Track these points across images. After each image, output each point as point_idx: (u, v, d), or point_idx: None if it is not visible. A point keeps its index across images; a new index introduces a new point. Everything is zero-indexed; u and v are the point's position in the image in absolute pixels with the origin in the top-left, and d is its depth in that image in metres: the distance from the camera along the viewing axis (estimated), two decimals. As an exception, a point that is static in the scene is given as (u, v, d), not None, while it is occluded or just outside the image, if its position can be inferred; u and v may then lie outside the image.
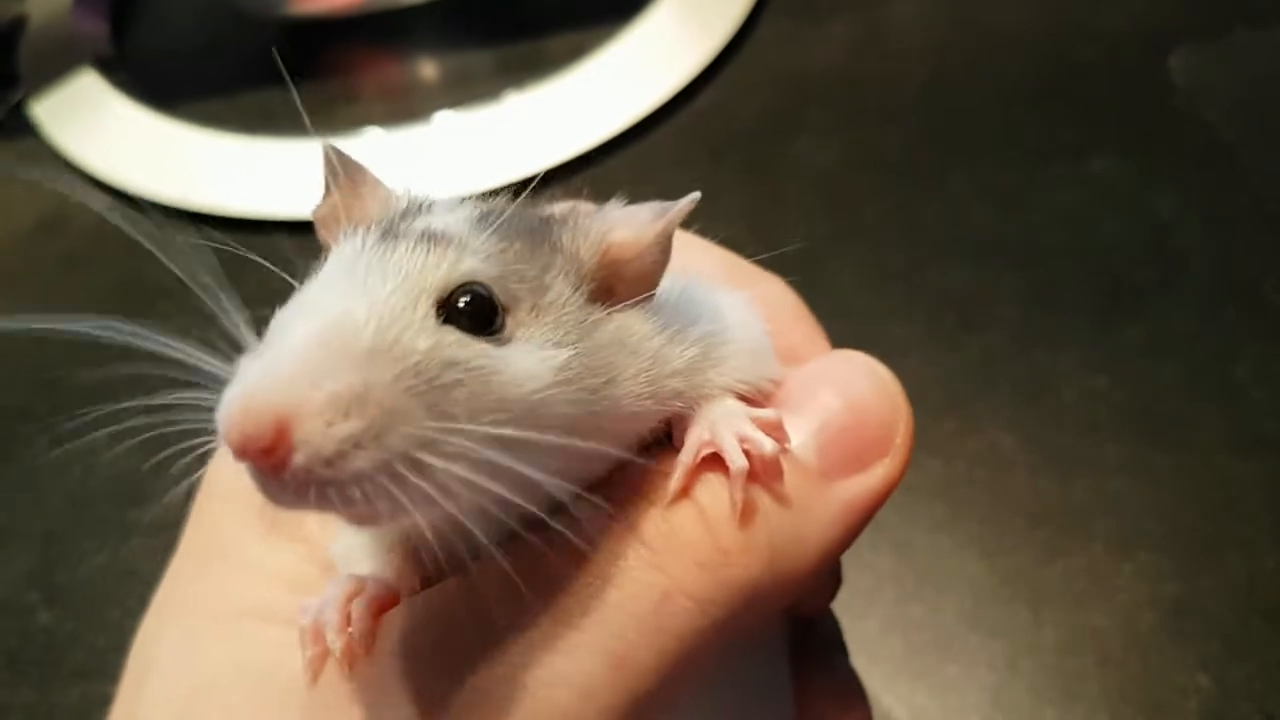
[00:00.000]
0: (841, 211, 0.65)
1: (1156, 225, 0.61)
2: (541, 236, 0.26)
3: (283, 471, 0.20)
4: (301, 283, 0.25)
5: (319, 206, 0.28)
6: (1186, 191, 0.62)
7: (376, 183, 0.28)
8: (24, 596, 0.54)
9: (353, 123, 0.71)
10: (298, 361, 0.21)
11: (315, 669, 0.25)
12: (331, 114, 0.73)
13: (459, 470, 0.22)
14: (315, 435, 0.20)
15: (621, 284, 0.26)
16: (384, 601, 0.26)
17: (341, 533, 0.28)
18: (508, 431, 0.22)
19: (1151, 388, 0.55)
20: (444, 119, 0.70)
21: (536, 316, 0.24)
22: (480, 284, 0.24)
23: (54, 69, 0.75)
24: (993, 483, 0.53)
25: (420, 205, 0.27)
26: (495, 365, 0.23)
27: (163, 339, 0.26)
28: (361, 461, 0.21)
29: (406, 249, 0.24)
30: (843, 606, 0.49)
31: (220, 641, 0.28)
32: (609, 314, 0.26)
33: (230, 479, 0.31)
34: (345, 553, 0.28)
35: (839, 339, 0.57)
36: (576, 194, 0.37)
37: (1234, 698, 0.46)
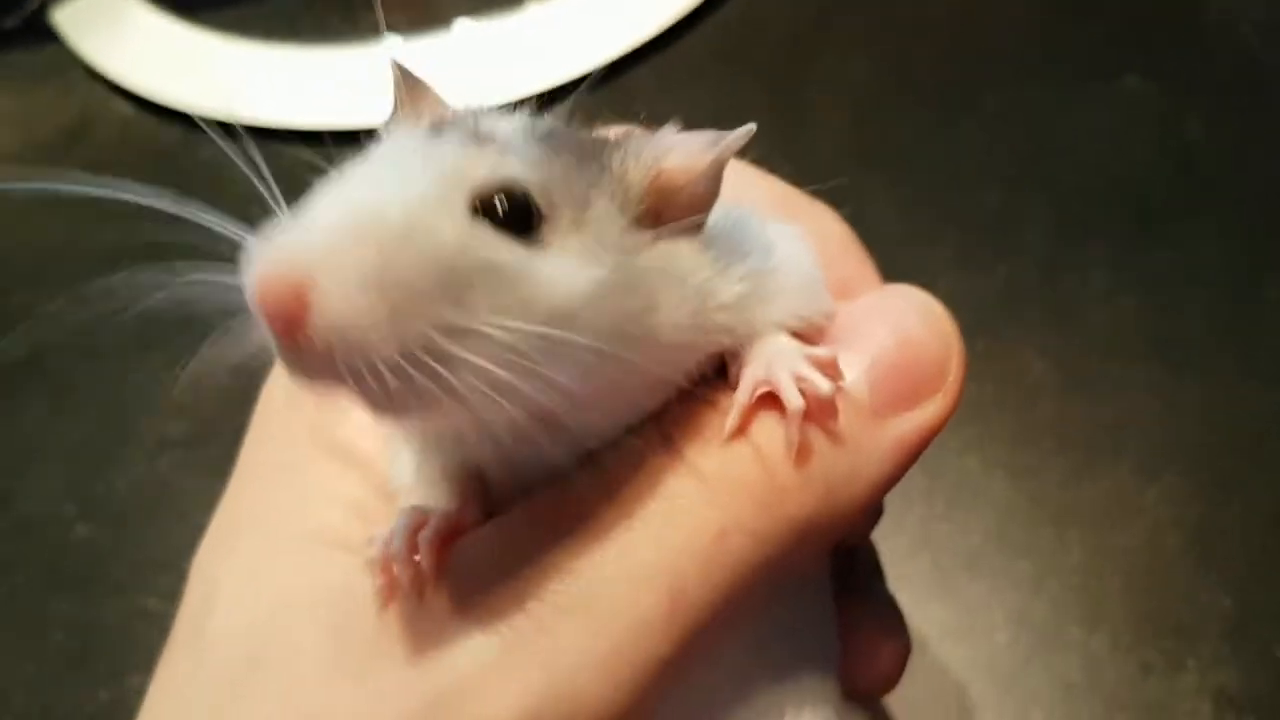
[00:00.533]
0: (870, 130, 0.64)
1: (1187, 147, 0.61)
2: (592, 155, 0.25)
3: (299, 334, 0.20)
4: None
5: (386, 122, 0.27)
6: (1218, 113, 0.62)
7: (439, 99, 0.28)
8: (61, 509, 0.55)
9: (372, 30, 0.70)
10: (324, 232, 0.21)
11: (385, 598, 0.25)
12: (353, 20, 0.72)
13: (481, 361, 0.21)
14: (333, 302, 0.20)
15: (670, 211, 0.26)
16: (449, 532, 0.26)
17: (401, 461, 0.29)
18: (532, 327, 0.22)
19: (1179, 312, 0.55)
20: (464, 27, 0.69)
21: (577, 230, 0.24)
22: (520, 187, 0.23)
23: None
24: (1021, 405, 0.53)
25: (475, 114, 0.26)
26: (524, 268, 0.23)
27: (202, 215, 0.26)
28: (377, 338, 0.21)
29: (452, 143, 0.23)
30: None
31: (289, 564, 0.28)
32: (655, 240, 0.26)
33: (286, 401, 0.32)
34: (407, 482, 0.28)
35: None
36: (616, 115, 0.37)
37: (1257, 619, 0.46)
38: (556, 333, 0.22)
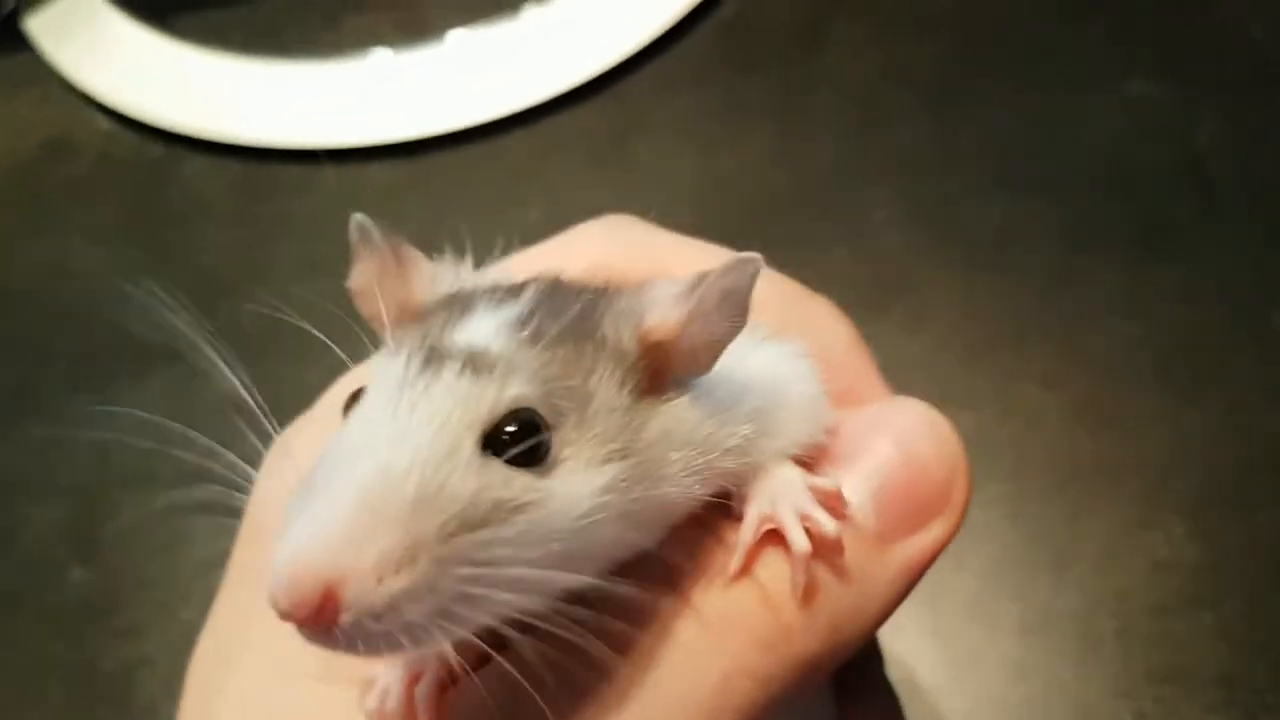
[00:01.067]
0: (870, 136, 0.63)
1: (1195, 155, 0.59)
2: (585, 333, 0.25)
3: (332, 630, 0.21)
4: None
5: (354, 277, 0.27)
6: (1228, 117, 0.60)
7: (416, 258, 0.27)
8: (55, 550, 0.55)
9: (360, 41, 0.68)
10: (343, 523, 0.21)
11: None
12: (338, 28, 0.70)
13: (505, 595, 0.22)
14: (365, 596, 0.21)
15: (674, 365, 0.26)
16: (446, 681, 0.26)
17: None
18: (553, 568, 0.23)
19: (1185, 335, 0.54)
20: (457, 38, 0.67)
21: (582, 431, 0.24)
22: (525, 409, 0.23)
23: (47, -22, 0.72)
24: (1021, 436, 0.52)
25: (462, 301, 0.26)
26: (540, 499, 0.23)
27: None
28: (413, 613, 0.21)
29: (451, 378, 0.23)
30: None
31: (289, 700, 0.28)
32: (656, 407, 0.25)
33: (280, 507, 0.31)
34: None
35: (869, 280, 0.57)
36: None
37: (1253, 665, 0.46)
38: (574, 544, 0.23)
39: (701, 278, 0.25)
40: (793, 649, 0.26)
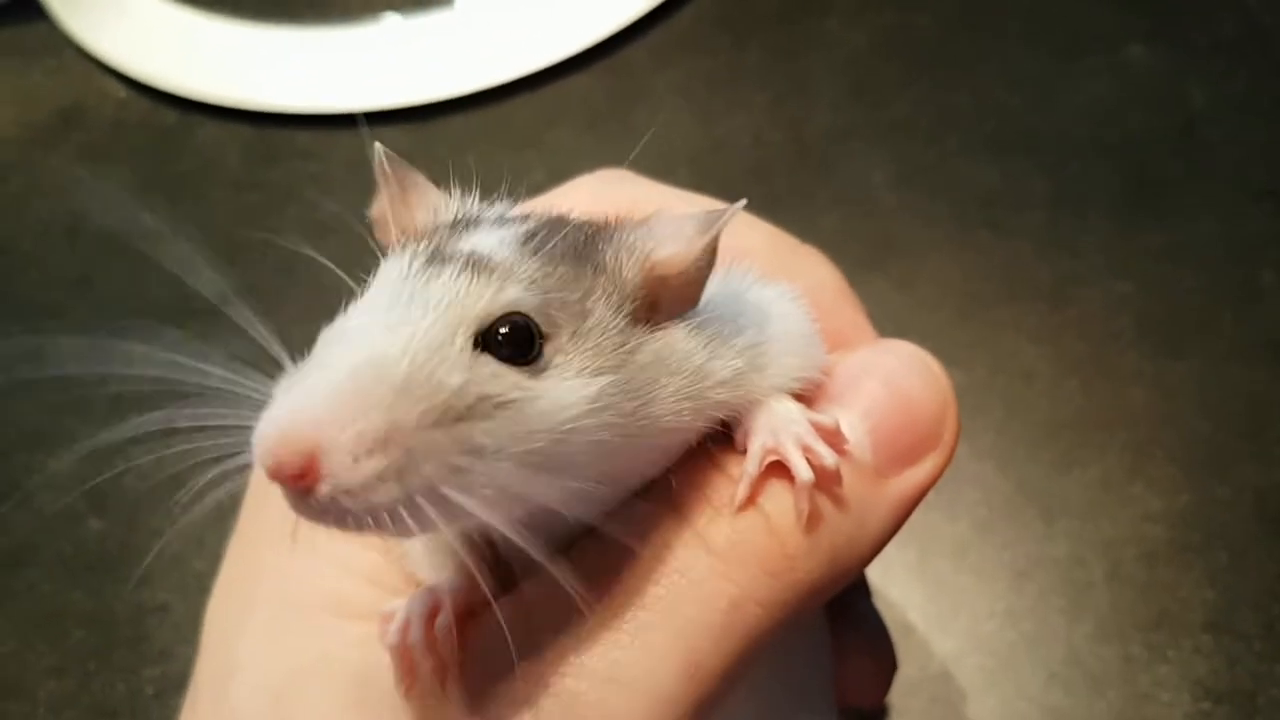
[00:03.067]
0: (869, 100, 0.64)
1: (1187, 118, 0.60)
2: (586, 257, 0.26)
3: (309, 496, 0.22)
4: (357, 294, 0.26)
5: (374, 207, 0.29)
6: (1220, 82, 0.61)
7: (425, 188, 0.29)
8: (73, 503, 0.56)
9: (369, 7, 0.69)
10: (330, 398, 0.22)
11: (407, 686, 0.26)
12: (346, -5, 0.71)
13: (486, 489, 0.23)
14: (341, 470, 0.22)
15: (666, 299, 0.27)
16: (464, 613, 0.27)
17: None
18: (534, 446, 0.24)
19: (1174, 293, 0.55)
20: (464, 4, 0.68)
21: (576, 343, 0.25)
22: (520, 314, 0.24)
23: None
24: (1011, 391, 0.54)
25: (467, 220, 0.27)
26: (528, 396, 0.24)
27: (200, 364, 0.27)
28: (382, 495, 0.22)
29: (451, 276, 0.24)
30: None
31: (306, 635, 0.29)
32: (651, 333, 0.26)
33: None
34: (416, 552, 0.29)
35: (866, 240, 0.58)
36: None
37: (1238, 611, 0.47)
38: (558, 450, 0.24)
39: (709, 218, 0.26)
40: (796, 576, 0.27)
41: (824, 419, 0.28)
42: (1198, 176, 0.58)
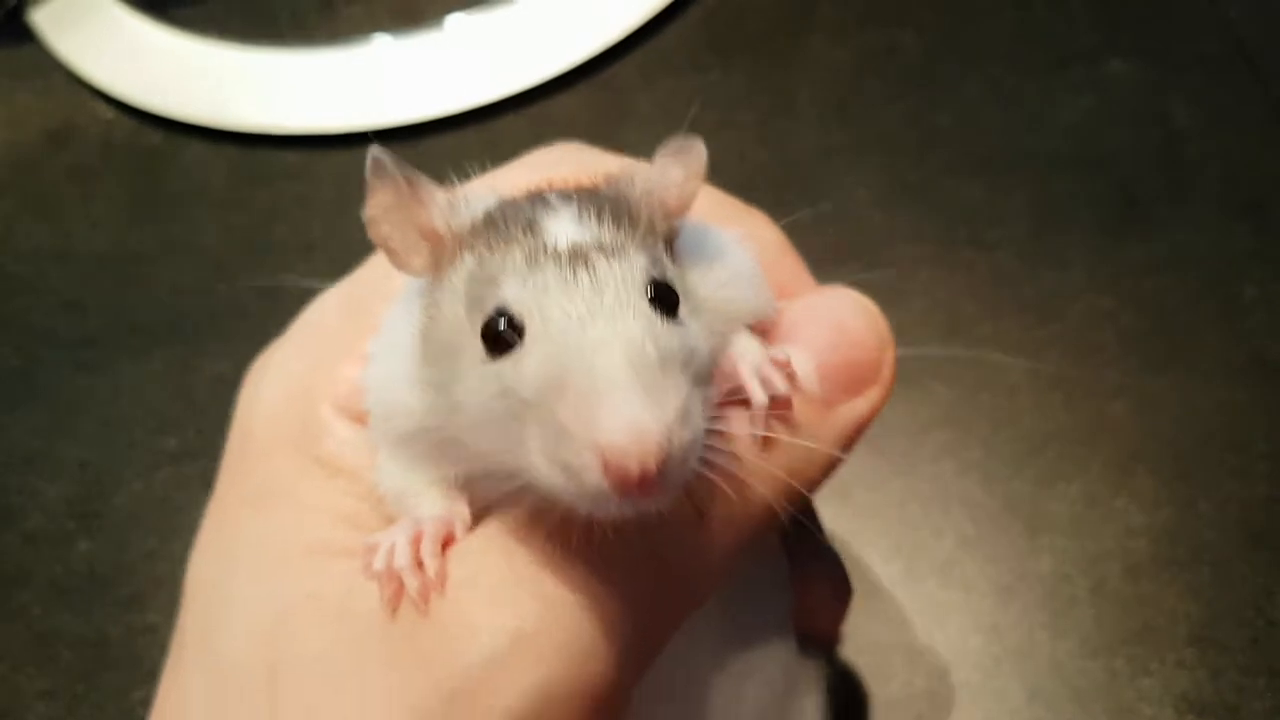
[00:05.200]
0: (853, 118, 0.64)
1: (1170, 134, 0.60)
2: (632, 217, 0.28)
3: (653, 487, 0.24)
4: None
5: (370, 206, 0.29)
6: (1201, 97, 0.61)
7: (430, 186, 0.29)
8: (63, 525, 0.56)
9: (355, 28, 0.69)
10: (641, 395, 0.24)
11: (394, 606, 0.27)
12: (334, 15, 0.72)
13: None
14: (677, 449, 0.24)
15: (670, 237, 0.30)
16: (447, 539, 0.29)
17: (387, 470, 0.31)
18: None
19: (1156, 308, 0.55)
20: (451, 23, 0.68)
21: (684, 297, 0.28)
22: (655, 276, 0.27)
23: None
24: (996, 407, 0.54)
25: (523, 218, 0.28)
26: (698, 343, 0.27)
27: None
28: (692, 456, 0.25)
29: (604, 265, 0.26)
30: (849, 533, 0.51)
31: (292, 576, 0.30)
32: (681, 275, 0.29)
33: (266, 416, 0.34)
34: (395, 487, 0.31)
35: (851, 256, 0.58)
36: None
37: (1221, 625, 0.48)
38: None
39: (681, 152, 0.29)
40: (754, 494, 0.29)
41: (777, 353, 0.30)
42: (1180, 192, 0.59)
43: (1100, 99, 0.62)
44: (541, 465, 0.25)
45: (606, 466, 0.23)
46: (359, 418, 0.32)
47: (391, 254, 0.29)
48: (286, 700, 0.28)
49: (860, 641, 0.49)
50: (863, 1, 0.68)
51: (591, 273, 0.26)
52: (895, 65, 0.66)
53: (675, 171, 0.29)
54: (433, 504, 0.30)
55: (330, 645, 0.28)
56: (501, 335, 0.26)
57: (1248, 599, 0.48)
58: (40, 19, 0.73)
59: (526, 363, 0.25)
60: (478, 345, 0.26)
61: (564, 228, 0.27)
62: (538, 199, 0.29)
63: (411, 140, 0.66)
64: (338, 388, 0.33)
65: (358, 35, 0.69)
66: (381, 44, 0.68)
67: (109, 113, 0.70)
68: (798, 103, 0.65)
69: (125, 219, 0.67)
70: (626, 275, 0.26)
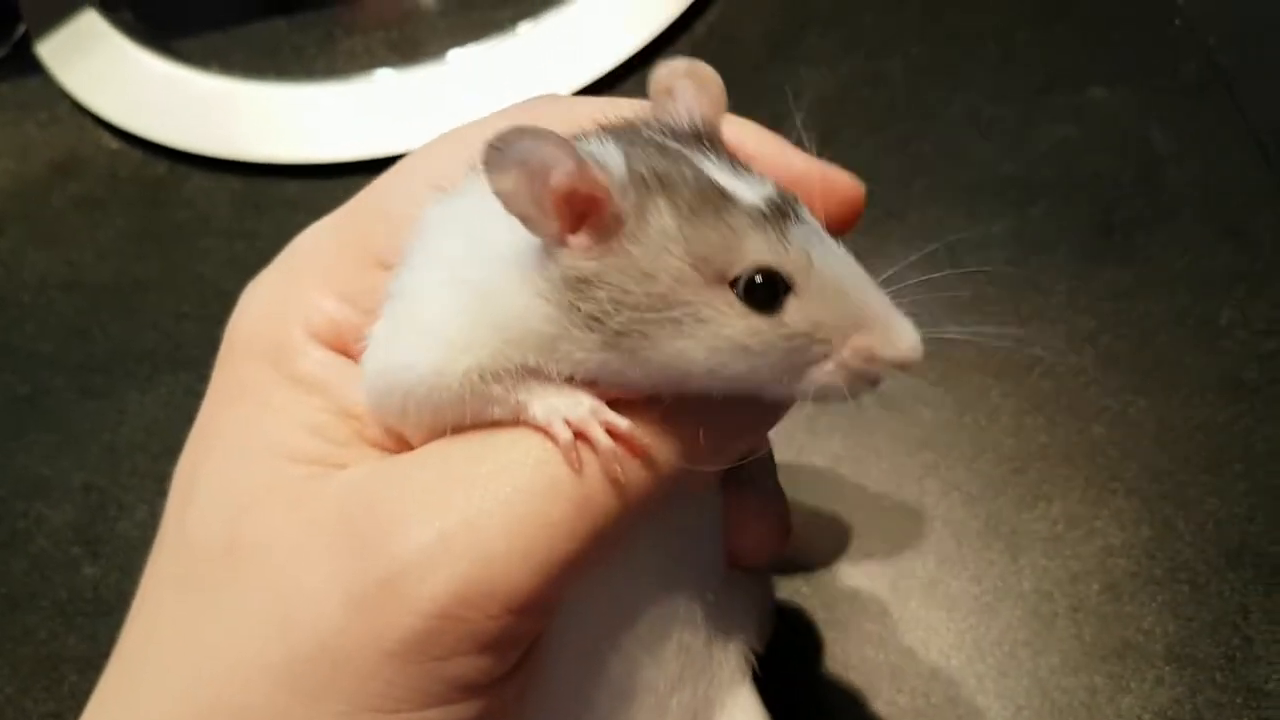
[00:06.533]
0: (839, 146, 0.65)
1: (1150, 159, 0.62)
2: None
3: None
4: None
5: (498, 183, 0.29)
6: (1181, 122, 0.62)
7: (561, 155, 0.30)
8: (69, 550, 0.58)
9: (355, 62, 0.71)
10: (904, 319, 0.33)
11: (579, 464, 0.30)
12: (332, 50, 0.73)
13: None
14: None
15: None
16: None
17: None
18: None
19: (1136, 330, 0.57)
20: (450, 58, 0.70)
21: None
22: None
23: (57, 5, 0.75)
24: (978, 429, 0.55)
25: (692, 169, 0.31)
26: None
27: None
28: None
29: (800, 211, 0.32)
30: (832, 553, 0.52)
31: (257, 472, 0.33)
32: None
33: (250, 334, 0.36)
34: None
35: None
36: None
37: (1200, 640, 0.48)
38: None
39: (712, 85, 0.38)
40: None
41: None
42: (1161, 216, 0.60)
43: (1081, 125, 0.63)
44: (828, 377, 0.31)
45: (906, 360, 0.32)
46: (334, 345, 0.35)
47: (528, 223, 0.29)
48: (241, 575, 0.31)
49: (844, 659, 0.50)
50: (849, 30, 0.70)
51: (807, 223, 0.32)
52: (880, 94, 0.67)
53: (705, 104, 0.35)
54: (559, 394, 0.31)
55: (281, 531, 0.31)
56: (766, 290, 0.30)
57: (1225, 617, 0.49)
58: (46, 51, 0.75)
59: (813, 310, 0.31)
60: (722, 299, 0.30)
61: (737, 183, 0.31)
62: (665, 150, 0.32)
63: (409, 169, 0.67)
64: (311, 315, 0.35)
65: (357, 69, 0.71)
66: (382, 77, 0.70)
67: (114, 144, 0.72)
68: (783, 130, 0.66)
69: (131, 248, 0.68)
70: (810, 215, 0.32)
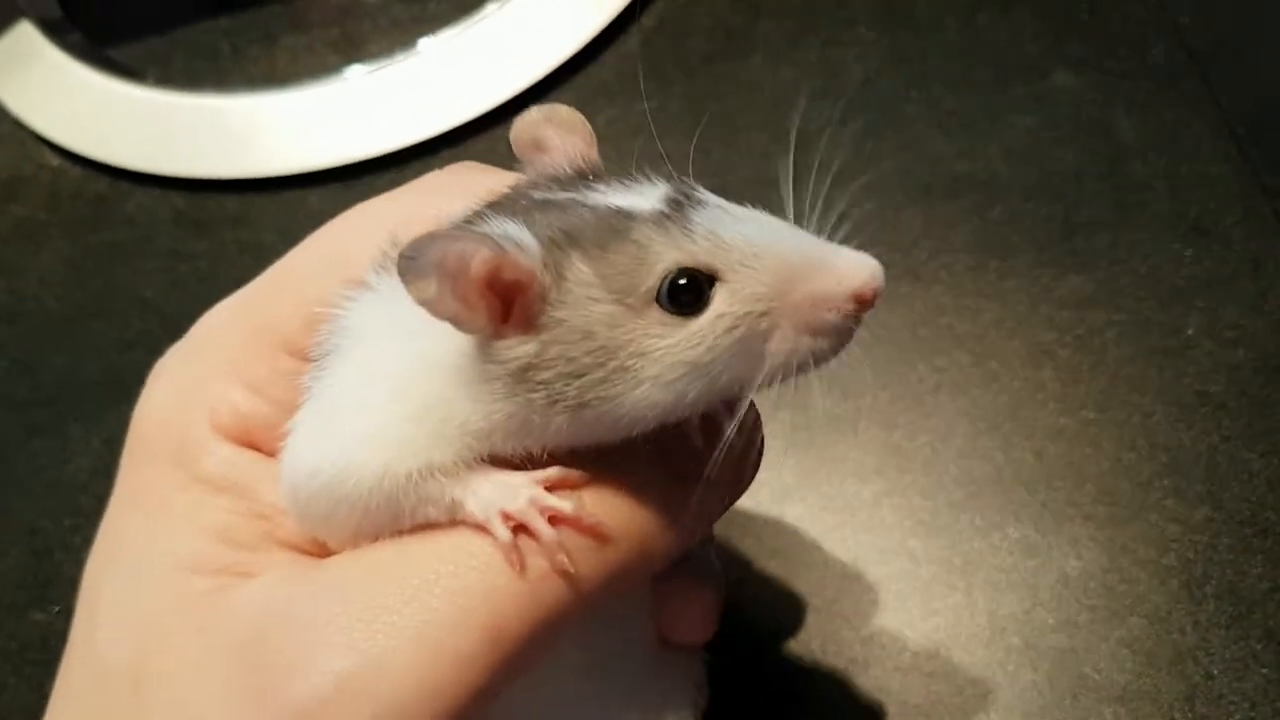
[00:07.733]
0: (796, 142, 0.62)
1: (1116, 151, 0.58)
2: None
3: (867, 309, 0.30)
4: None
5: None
6: (1149, 109, 0.59)
7: (477, 248, 0.29)
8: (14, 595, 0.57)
9: (296, 68, 0.69)
10: (837, 249, 0.32)
11: (521, 563, 0.30)
12: (272, 58, 0.71)
13: None
14: None
15: None
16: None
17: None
18: None
19: (1097, 343, 0.54)
20: (399, 61, 0.68)
21: None
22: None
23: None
24: (931, 451, 0.53)
25: (591, 207, 0.31)
26: None
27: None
28: None
29: (693, 192, 0.32)
30: (781, 580, 0.51)
31: (158, 590, 0.32)
32: None
33: (156, 431, 0.35)
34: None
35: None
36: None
37: (1157, 677, 0.47)
38: None
39: (579, 126, 0.35)
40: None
41: None
42: (1125, 214, 0.57)
43: (1044, 115, 0.60)
44: (789, 344, 0.30)
45: (862, 293, 0.30)
46: (239, 439, 0.34)
47: (459, 324, 0.29)
48: (147, 706, 0.31)
49: (790, 690, 0.49)
50: (802, 21, 0.66)
51: (707, 203, 0.30)
52: (836, 85, 0.64)
53: (576, 143, 0.34)
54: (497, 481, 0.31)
55: (183, 661, 0.30)
56: (690, 290, 0.29)
57: (1184, 652, 0.47)
58: (-19, 67, 0.73)
59: (741, 286, 0.29)
60: (654, 320, 0.29)
61: (633, 198, 0.30)
62: (556, 204, 0.30)
63: (351, 180, 0.65)
64: (217, 406, 0.34)
65: (299, 73, 0.68)
66: (319, 88, 0.67)
67: (55, 160, 0.70)
68: (737, 127, 0.64)
69: (73, 274, 0.67)
70: (707, 193, 0.31)
